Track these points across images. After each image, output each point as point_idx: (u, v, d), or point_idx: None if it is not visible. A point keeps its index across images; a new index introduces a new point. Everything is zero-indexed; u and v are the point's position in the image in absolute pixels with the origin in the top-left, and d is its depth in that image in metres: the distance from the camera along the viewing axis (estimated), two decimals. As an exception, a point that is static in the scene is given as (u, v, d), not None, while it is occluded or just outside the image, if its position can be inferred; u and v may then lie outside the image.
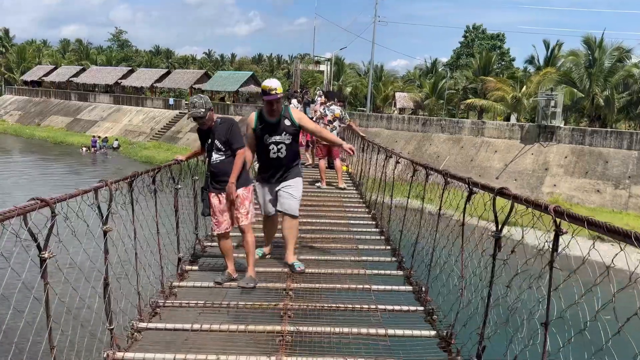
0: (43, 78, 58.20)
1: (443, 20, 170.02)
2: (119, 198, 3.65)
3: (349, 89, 47.73)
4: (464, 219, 3.78)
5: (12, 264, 2.43)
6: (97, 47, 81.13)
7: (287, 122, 5.05)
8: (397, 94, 45.08)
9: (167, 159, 7.38)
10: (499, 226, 3.14)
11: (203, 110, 4.53)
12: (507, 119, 33.96)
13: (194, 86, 46.80)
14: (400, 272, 5.33)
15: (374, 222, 7.42)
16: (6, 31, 71.73)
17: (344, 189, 9.85)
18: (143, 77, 51.88)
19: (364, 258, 5.71)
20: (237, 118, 34.83)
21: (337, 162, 10.22)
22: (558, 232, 2.50)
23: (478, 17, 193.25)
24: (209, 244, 6.06)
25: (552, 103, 26.02)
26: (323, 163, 9.97)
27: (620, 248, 2.07)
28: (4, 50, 68.11)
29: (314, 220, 7.18)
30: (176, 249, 5.13)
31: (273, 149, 5.05)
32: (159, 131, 41.79)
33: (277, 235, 5.50)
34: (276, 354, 3.55)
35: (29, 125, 50.29)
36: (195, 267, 5.30)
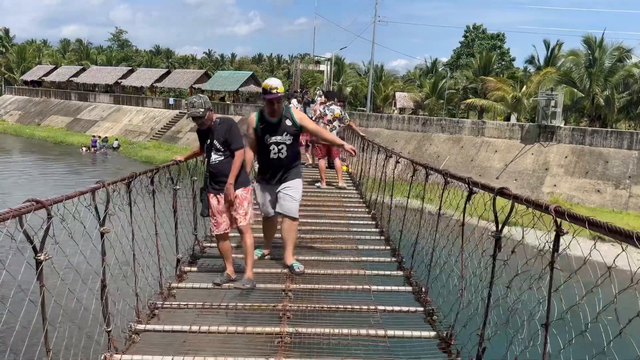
0: (43, 78, 58.23)
1: (443, 20, 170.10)
2: (116, 199, 3.62)
3: (349, 89, 47.71)
4: (463, 219, 3.76)
5: (7, 266, 2.41)
6: (97, 47, 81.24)
7: (288, 123, 5.01)
8: (397, 94, 45.08)
9: (167, 158, 7.37)
10: (499, 226, 3.12)
11: (202, 110, 4.50)
12: (507, 118, 33.95)
13: (194, 86, 46.81)
14: (400, 273, 5.30)
15: (373, 222, 7.39)
16: (6, 31, 71.76)
17: (344, 188, 9.83)
18: (143, 77, 51.90)
19: (364, 258, 5.68)
20: (237, 118, 34.84)
21: (337, 162, 10.20)
22: (559, 233, 2.47)
23: (478, 17, 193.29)
24: (208, 244, 6.03)
25: (552, 103, 26.01)
26: (323, 163, 9.95)
27: (622, 248, 2.05)
28: (4, 50, 68.11)
29: (313, 221, 7.16)
30: (175, 250, 5.11)
31: (274, 149, 5.01)
32: (159, 131, 41.78)
33: (276, 235, 5.48)
34: (275, 355, 3.53)
35: (29, 125, 50.29)
36: (194, 268, 5.27)
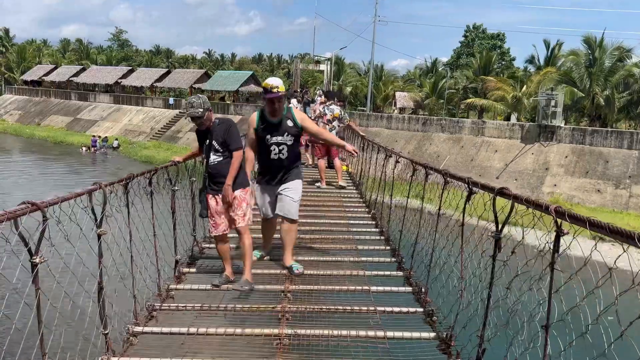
0: (43, 78, 58.24)
1: (443, 20, 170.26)
2: (114, 201, 3.60)
3: (349, 89, 47.69)
4: (463, 219, 3.73)
5: (1, 269, 2.38)
6: (97, 46, 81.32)
7: (289, 123, 4.97)
8: (397, 94, 45.08)
9: (167, 158, 7.35)
10: (499, 226, 3.10)
11: (201, 110, 4.48)
12: (508, 118, 33.94)
13: (194, 86, 46.81)
14: (400, 273, 5.27)
15: (373, 222, 7.37)
16: (6, 31, 71.79)
17: (344, 187, 9.80)
18: (143, 77, 51.91)
19: (364, 259, 5.66)
20: (237, 118, 34.86)
21: (337, 162, 10.18)
22: (559, 233, 2.45)
23: (478, 16, 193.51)
24: (207, 245, 6.00)
25: (553, 103, 25.98)
26: (322, 163, 9.93)
27: (623, 249, 2.03)
28: (4, 50, 68.12)
29: (313, 221, 7.13)
30: (173, 251, 5.08)
31: (274, 149, 4.97)
32: (159, 131, 41.78)
33: (275, 236, 5.45)
34: (274, 357, 3.52)
35: (29, 124, 50.29)
36: (193, 270, 5.24)
